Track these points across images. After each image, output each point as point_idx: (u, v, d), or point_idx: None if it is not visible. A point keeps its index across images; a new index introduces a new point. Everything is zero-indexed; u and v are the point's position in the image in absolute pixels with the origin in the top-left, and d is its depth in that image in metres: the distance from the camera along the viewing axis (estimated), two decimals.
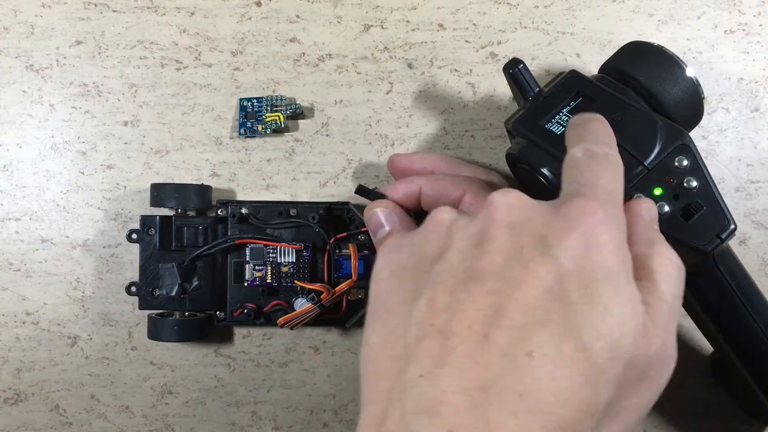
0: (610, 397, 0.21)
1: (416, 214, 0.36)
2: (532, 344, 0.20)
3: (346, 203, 0.39)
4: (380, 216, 0.33)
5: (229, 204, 0.39)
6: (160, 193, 0.38)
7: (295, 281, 0.38)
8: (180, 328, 0.38)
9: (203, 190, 0.39)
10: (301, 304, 0.37)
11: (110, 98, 0.41)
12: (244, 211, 0.38)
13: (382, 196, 0.34)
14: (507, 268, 0.21)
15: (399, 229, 0.33)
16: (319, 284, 0.37)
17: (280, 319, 0.37)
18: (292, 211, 0.39)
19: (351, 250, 0.37)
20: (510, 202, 0.24)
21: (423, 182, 0.34)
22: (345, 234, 0.38)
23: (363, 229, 0.38)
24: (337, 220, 0.39)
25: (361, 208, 0.40)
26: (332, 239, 0.38)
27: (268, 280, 0.38)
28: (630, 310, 0.22)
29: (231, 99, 0.41)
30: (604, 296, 0.21)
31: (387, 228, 0.33)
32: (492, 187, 0.35)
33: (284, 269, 0.38)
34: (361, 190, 0.35)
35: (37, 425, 0.40)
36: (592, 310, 0.21)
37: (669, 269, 0.24)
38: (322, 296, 0.37)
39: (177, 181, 0.40)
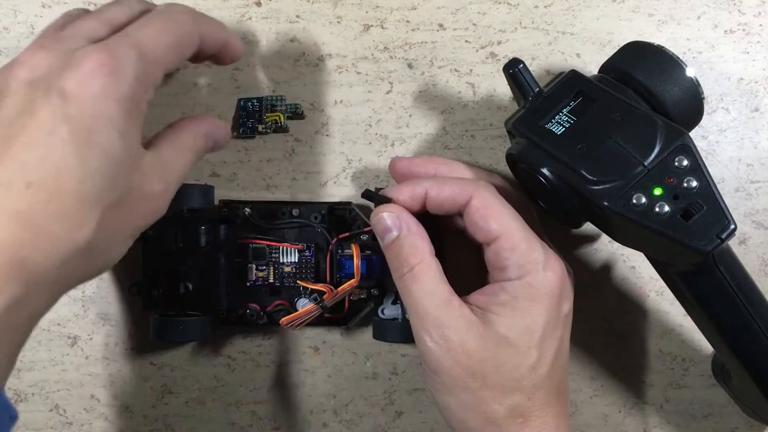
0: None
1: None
2: (29, 176, 0.26)
3: (349, 203, 0.39)
4: (387, 220, 0.33)
5: (232, 204, 0.39)
6: None
7: (298, 281, 0.38)
8: (186, 328, 0.38)
9: (206, 190, 0.39)
10: (304, 304, 0.37)
11: None
12: (246, 211, 0.38)
13: (388, 200, 0.34)
14: (18, 117, 0.26)
15: (408, 233, 0.33)
16: (321, 284, 0.37)
17: (283, 319, 0.36)
18: (295, 212, 0.39)
19: (354, 250, 0.37)
20: (35, 62, 0.27)
21: (429, 185, 0.34)
22: (347, 234, 0.38)
23: (366, 229, 0.38)
24: (340, 221, 0.39)
25: (363, 208, 0.40)
26: (334, 239, 0.38)
27: (271, 280, 0.38)
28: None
29: (231, 99, 0.41)
30: (87, 136, 0.26)
31: (395, 233, 0.33)
32: (498, 190, 0.35)
33: (286, 269, 0.38)
34: (367, 194, 0.35)
35: (37, 425, 0.40)
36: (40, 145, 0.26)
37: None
38: (324, 296, 0.37)
39: None
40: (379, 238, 0.34)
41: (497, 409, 0.31)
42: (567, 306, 0.33)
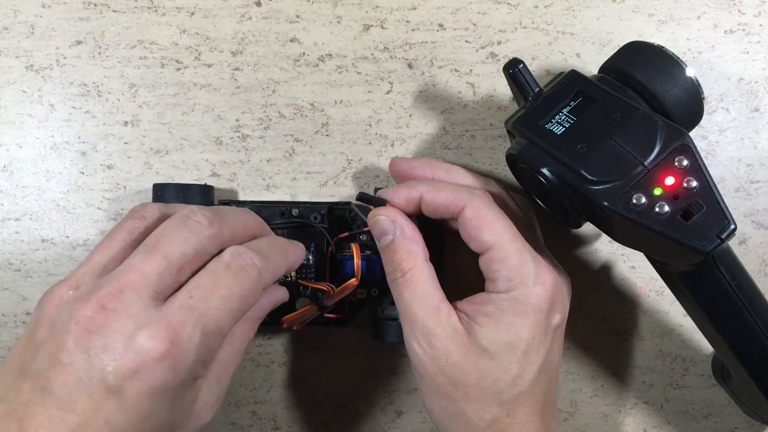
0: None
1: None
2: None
3: (348, 203, 0.39)
4: (383, 224, 0.34)
5: (232, 204, 0.39)
6: (163, 193, 0.38)
7: (298, 280, 0.38)
8: None
9: (206, 191, 0.39)
10: (304, 304, 0.37)
11: (110, 98, 0.41)
12: None
13: (383, 203, 0.34)
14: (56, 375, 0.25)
15: (402, 238, 0.33)
16: (322, 283, 0.37)
17: (284, 318, 0.36)
18: (295, 212, 0.39)
19: (354, 249, 0.37)
20: (87, 316, 0.26)
21: (425, 189, 0.34)
22: (347, 234, 0.38)
23: (365, 229, 0.38)
24: (339, 220, 0.39)
25: (363, 208, 0.40)
26: (334, 239, 0.38)
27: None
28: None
29: (231, 99, 0.41)
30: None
31: (390, 236, 0.33)
32: (493, 197, 0.35)
33: (291, 274, 0.38)
34: (362, 197, 0.35)
35: None
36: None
37: None
38: (325, 296, 0.37)
39: (177, 181, 0.40)
40: (376, 240, 0.34)
41: (477, 422, 0.31)
42: (557, 318, 0.33)
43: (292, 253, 0.33)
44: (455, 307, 0.33)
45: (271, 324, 0.39)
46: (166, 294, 0.27)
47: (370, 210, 0.38)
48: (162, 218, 0.30)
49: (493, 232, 0.32)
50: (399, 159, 0.38)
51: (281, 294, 0.34)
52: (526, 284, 0.31)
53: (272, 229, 0.38)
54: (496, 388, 0.31)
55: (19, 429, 0.24)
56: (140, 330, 0.25)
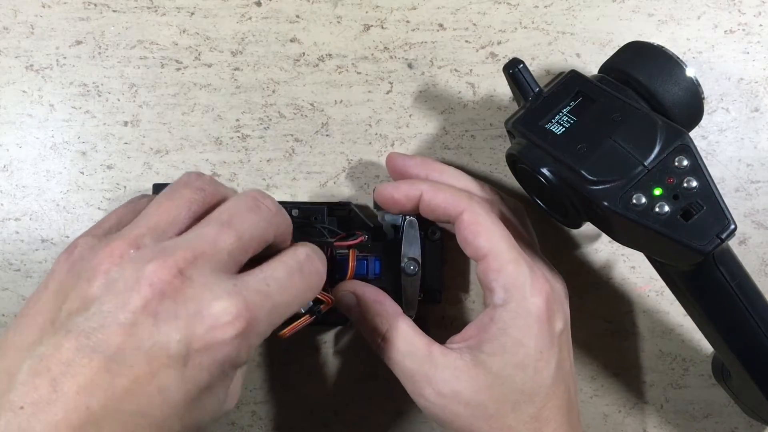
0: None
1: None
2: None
3: (348, 203, 0.39)
4: (346, 299, 0.34)
5: None
6: None
7: None
8: None
9: None
10: (303, 308, 0.37)
11: (110, 98, 0.41)
12: None
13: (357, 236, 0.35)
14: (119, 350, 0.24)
15: (367, 306, 0.34)
16: (323, 294, 0.35)
17: (281, 333, 0.35)
18: (294, 212, 0.39)
19: (350, 255, 0.36)
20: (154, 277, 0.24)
21: (425, 189, 0.34)
22: (344, 234, 0.38)
23: (359, 240, 0.37)
24: (339, 221, 0.39)
25: (363, 208, 0.40)
26: (334, 239, 0.38)
27: None
28: None
29: (231, 99, 0.41)
30: None
31: (358, 308, 0.34)
32: (487, 202, 0.35)
33: None
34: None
35: None
36: None
37: None
38: (322, 306, 0.36)
39: None
40: (344, 313, 0.35)
41: None
42: (560, 323, 0.33)
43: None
44: (458, 340, 0.33)
45: None
46: (234, 272, 0.26)
47: (371, 210, 0.38)
48: (219, 196, 0.29)
49: (489, 239, 0.32)
50: (396, 155, 0.38)
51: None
52: (524, 295, 0.31)
53: None
54: (518, 410, 0.31)
55: (52, 390, 0.22)
56: (217, 301, 0.24)
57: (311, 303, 0.36)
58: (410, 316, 0.37)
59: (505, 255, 0.32)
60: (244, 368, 0.28)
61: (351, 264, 0.36)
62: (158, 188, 0.38)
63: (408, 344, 0.32)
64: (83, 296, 0.24)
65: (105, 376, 0.22)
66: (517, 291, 0.31)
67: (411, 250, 0.36)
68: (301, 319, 0.35)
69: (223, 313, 0.24)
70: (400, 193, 0.34)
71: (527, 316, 0.31)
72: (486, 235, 0.32)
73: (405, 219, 0.37)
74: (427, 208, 0.34)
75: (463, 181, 0.36)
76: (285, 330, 0.35)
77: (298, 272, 0.28)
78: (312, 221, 0.38)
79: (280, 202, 0.39)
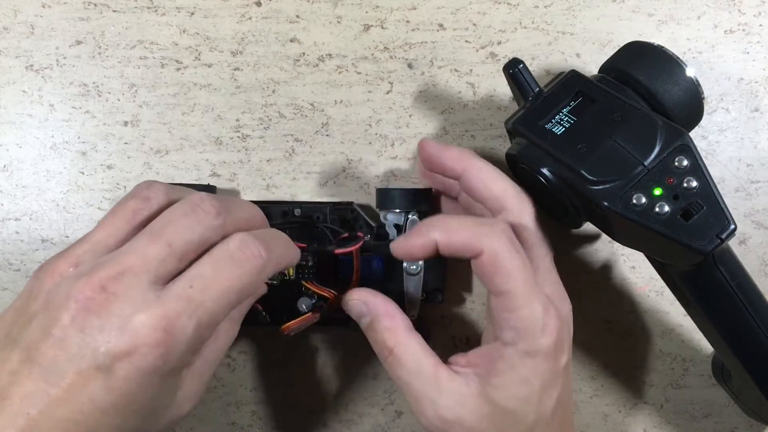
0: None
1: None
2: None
3: (351, 203, 0.39)
4: (358, 307, 0.34)
5: None
6: None
7: (303, 282, 0.38)
8: None
9: (209, 191, 0.39)
10: (306, 305, 0.37)
11: (110, 98, 0.41)
12: None
13: (359, 239, 0.34)
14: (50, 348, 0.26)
15: (378, 318, 0.33)
16: (326, 290, 0.36)
17: (284, 326, 0.36)
18: (297, 211, 0.39)
19: (354, 254, 0.37)
20: (84, 293, 0.26)
21: (438, 235, 0.32)
22: (347, 234, 0.38)
23: (360, 244, 0.37)
24: (342, 220, 0.39)
25: (365, 208, 0.40)
26: (337, 239, 0.38)
27: (273, 280, 0.38)
28: None
29: (231, 99, 0.41)
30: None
31: (368, 318, 0.33)
32: (518, 233, 0.33)
33: (288, 272, 0.38)
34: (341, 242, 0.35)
35: None
36: None
37: None
38: (328, 303, 0.36)
39: (177, 181, 0.40)
40: (356, 320, 0.34)
41: None
42: (564, 358, 0.32)
43: (294, 249, 0.33)
44: (460, 363, 0.32)
45: (271, 324, 0.39)
46: (167, 279, 0.27)
47: (374, 210, 0.38)
48: (167, 203, 0.29)
49: (507, 280, 0.31)
50: (429, 142, 0.36)
51: (262, 290, 0.34)
52: (535, 335, 0.31)
53: (275, 228, 0.38)
54: None
55: (1, 397, 0.25)
56: (137, 315, 0.26)
57: (314, 299, 0.36)
58: (412, 317, 0.37)
59: (520, 296, 0.31)
60: (195, 374, 0.29)
61: (356, 265, 0.36)
62: None
63: (416, 364, 0.32)
64: (29, 313, 0.27)
65: (42, 385, 0.25)
66: (528, 333, 0.31)
67: None
68: (305, 315, 0.35)
69: (141, 326, 0.25)
70: (416, 248, 0.32)
71: (535, 356, 0.31)
72: (504, 276, 0.31)
73: (407, 219, 0.37)
74: (445, 252, 0.32)
75: (501, 184, 0.34)
76: (288, 324, 0.35)
77: (228, 261, 0.28)
78: (314, 221, 0.38)
79: (281, 202, 0.39)
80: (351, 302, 0.34)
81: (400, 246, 0.33)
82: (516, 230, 0.32)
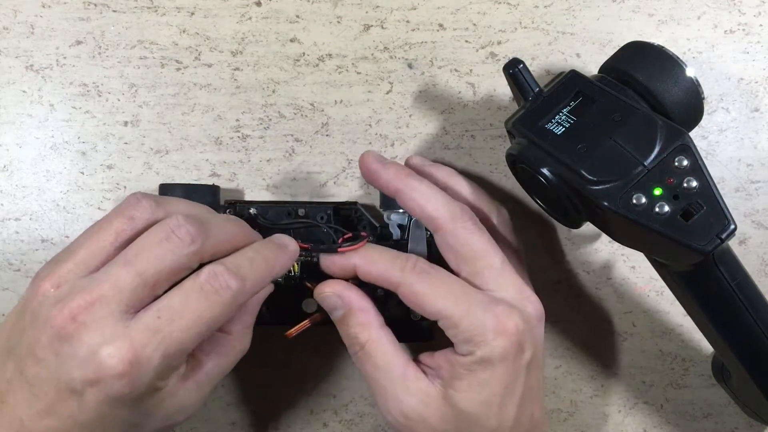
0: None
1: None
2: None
3: (354, 203, 0.39)
4: (331, 300, 0.34)
5: (238, 204, 0.39)
6: (170, 193, 0.38)
7: (306, 283, 0.37)
8: None
9: (214, 191, 0.38)
10: (310, 307, 0.37)
11: (110, 98, 0.41)
12: (252, 211, 0.38)
13: (333, 250, 0.34)
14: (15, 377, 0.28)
15: (351, 312, 0.33)
16: None
17: (288, 332, 0.36)
18: (301, 212, 0.39)
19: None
20: (63, 315, 0.27)
21: (358, 262, 0.33)
22: (350, 234, 0.38)
23: (361, 244, 0.37)
24: (345, 220, 0.39)
25: (369, 208, 0.40)
26: (340, 239, 0.38)
27: (277, 280, 0.38)
28: None
29: (231, 99, 0.41)
30: None
31: (340, 311, 0.33)
32: (456, 251, 0.33)
33: (293, 269, 0.38)
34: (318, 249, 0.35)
35: None
36: None
37: None
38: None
39: (177, 180, 0.40)
40: (329, 313, 0.34)
41: None
42: (527, 355, 0.32)
43: (280, 262, 0.32)
44: (427, 363, 0.33)
45: (271, 324, 0.39)
46: (138, 308, 0.28)
47: (377, 210, 0.38)
48: (151, 222, 0.30)
49: (434, 303, 0.31)
50: (369, 159, 0.34)
51: (267, 291, 0.34)
52: (486, 341, 0.31)
53: (277, 229, 0.38)
54: None
55: (0, 401, 0.27)
56: (104, 346, 0.27)
57: (317, 303, 0.36)
58: (414, 317, 0.37)
59: (453, 311, 0.31)
60: (192, 387, 0.30)
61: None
62: (166, 189, 0.38)
63: (385, 361, 0.32)
64: (22, 324, 0.28)
65: (30, 396, 0.27)
66: (478, 340, 0.31)
67: (417, 249, 0.36)
68: (311, 317, 0.36)
69: (108, 357, 0.26)
70: (335, 267, 0.34)
71: (491, 359, 0.31)
72: (429, 302, 0.31)
73: (411, 219, 0.37)
74: (366, 279, 0.33)
75: (432, 205, 0.33)
76: (291, 330, 0.35)
77: (197, 293, 0.28)
78: (318, 221, 0.38)
79: (285, 203, 0.39)
80: (324, 295, 0.34)
81: (324, 261, 0.34)
82: (454, 249, 0.33)
